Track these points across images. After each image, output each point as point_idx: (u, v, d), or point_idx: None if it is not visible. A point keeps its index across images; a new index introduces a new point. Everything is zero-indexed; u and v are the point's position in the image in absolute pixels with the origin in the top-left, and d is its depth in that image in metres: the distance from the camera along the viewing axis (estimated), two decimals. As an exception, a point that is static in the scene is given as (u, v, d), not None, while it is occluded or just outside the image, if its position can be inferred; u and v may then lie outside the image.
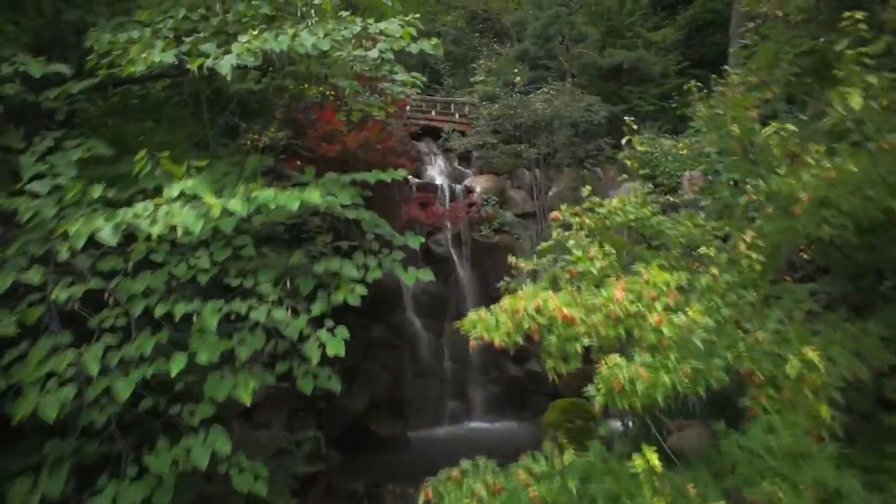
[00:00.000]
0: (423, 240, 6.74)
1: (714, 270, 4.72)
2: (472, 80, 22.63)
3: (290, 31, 5.12)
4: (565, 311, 4.33)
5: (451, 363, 16.89)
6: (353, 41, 6.16)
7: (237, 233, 5.52)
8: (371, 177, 6.09)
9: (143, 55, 4.63)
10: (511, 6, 24.85)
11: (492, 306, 4.87)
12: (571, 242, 6.24)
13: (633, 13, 20.65)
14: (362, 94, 8.28)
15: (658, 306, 4.31)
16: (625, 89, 19.51)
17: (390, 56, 6.12)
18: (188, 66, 4.66)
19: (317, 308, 5.44)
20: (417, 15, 6.31)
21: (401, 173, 6.11)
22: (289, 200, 4.52)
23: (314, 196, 4.64)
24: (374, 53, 5.97)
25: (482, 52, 23.78)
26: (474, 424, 16.54)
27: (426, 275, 6.25)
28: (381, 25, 5.94)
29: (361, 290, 5.55)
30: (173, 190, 4.10)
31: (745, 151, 5.36)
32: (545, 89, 18.14)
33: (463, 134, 21.46)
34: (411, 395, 15.88)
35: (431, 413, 16.20)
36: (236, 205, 4.15)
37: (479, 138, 18.82)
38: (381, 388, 15.27)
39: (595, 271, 5.07)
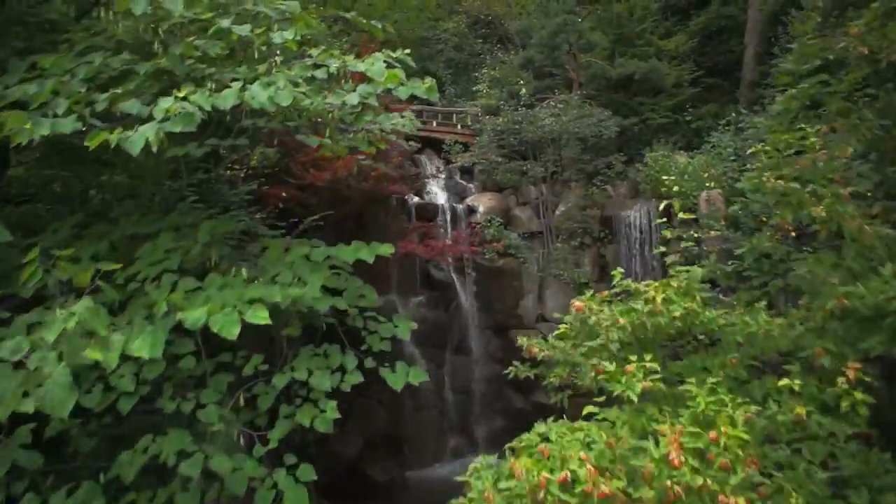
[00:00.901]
0: (415, 326, 5.49)
1: (800, 410, 3.46)
2: (474, 88, 21.35)
3: (236, 85, 3.84)
4: (604, 486, 3.06)
5: (452, 395, 15.65)
6: (332, 78, 4.90)
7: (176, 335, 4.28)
8: (349, 254, 4.82)
9: (28, 125, 3.35)
10: (515, 11, 23.47)
11: (501, 465, 3.58)
12: (593, 319, 4.98)
13: (644, 20, 19.25)
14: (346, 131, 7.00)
15: (733, 480, 3.05)
16: (635, 100, 18.15)
17: (374, 102, 4.84)
18: (86, 143, 3.39)
19: (275, 434, 4.20)
20: (408, 51, 5.03)
21: (387, 249, 4.83)
22: (225, 325, 3.25)
23: (260, 315, 3.38)
24: (353, 99, 4.69)
25: (485, 59, 22.45)
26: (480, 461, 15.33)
27: (418, 376, 4.98)
28: (362, 67, 4.66)
29: (332, 411, 4.28)
30: (52, 331, 2.83)
31: (831, 237, 4.10)
32: (552, 102, 16.80)
33: (465, 147, 20.16)
34: (410, 431, 14.64)
35: (432, 450, 14.97)
36: (142, 348, 2.90)
37: (482, 154, 17.48)
38: (378, 427, 14.05)
39: (635, 396, 3.80)
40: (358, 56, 14.38)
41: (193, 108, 3.69)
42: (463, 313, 15.75)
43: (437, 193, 19.23)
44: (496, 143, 16.88)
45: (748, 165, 11.76)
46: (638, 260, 15.75)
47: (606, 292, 4.95)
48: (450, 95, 22.39)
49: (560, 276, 15.94)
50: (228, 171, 10.71)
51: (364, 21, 6.30)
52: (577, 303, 4.79)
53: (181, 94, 3.59)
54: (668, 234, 7.99)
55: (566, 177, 17.02)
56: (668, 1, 20.58)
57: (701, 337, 4.96)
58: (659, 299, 4.25)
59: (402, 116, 5.74)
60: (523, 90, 17.47)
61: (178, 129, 3.44)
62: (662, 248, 6.13)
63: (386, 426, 14.18)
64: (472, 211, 16.51)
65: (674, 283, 4.64)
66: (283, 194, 10.79)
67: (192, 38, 4.22)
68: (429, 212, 15.87)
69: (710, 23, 19.95)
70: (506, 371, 5.97)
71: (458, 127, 21.09)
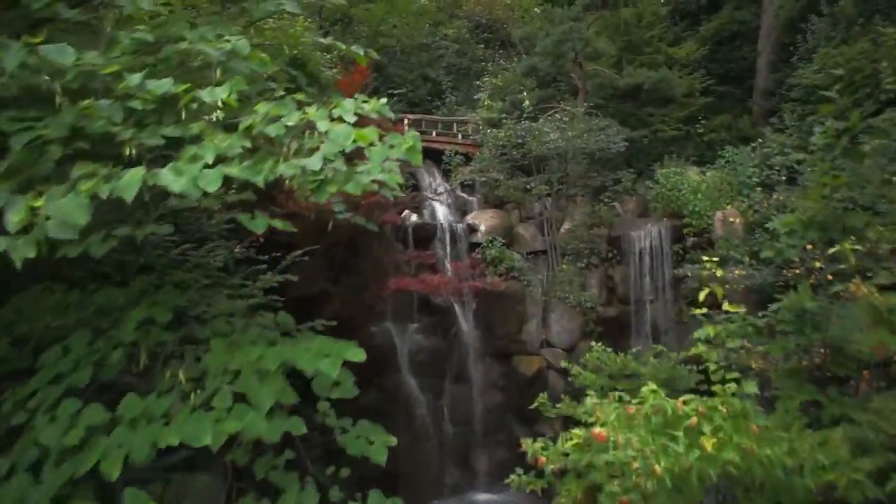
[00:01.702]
0: (394, 441, 4.46)
1: None
2: (476, 97, 20.28)
3: (138, 172, 2.79)
4: None
5: (452, 426, 14.59)
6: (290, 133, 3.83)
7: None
8: (309, 361, 3.75)
9: None
10: (517, 15, 22.30)
11: None
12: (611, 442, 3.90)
13: (653, 26, 18.08)
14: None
15: None
16: (644, 111, 17.01)
17: (341, 165, 3.76)
18: None
19: None
20: (384, 100, 3.95)
21: (358, 355, 3.78)
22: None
23: None
24: (314, 163, 3.61)
25: (487, 66, 21.30)
26: (479, 497, 14.27)
27: (395, 513, 3.95)
28: (324, 125, 3.60)
29: None
30: None
31: None
32: (557, 115, 15.70)
33: (467, 158, 19.08)
34: (406, 467, 13.61)
35: (429, 485, 13.92)
36: None
37: (483, 169, 16.40)
38: (371, 465, 12.99)
39: None
40: (348, 66, 13.13)
41: (78, 204, 2.63)
42: (463, 340, 14.68)
43: (437, 207, 18.16)
44: (498, 158, 15.77)
45: (776, 196, 10.60)
46: (648, 282, 14.66)
47: (634, 407, 3.86)
48: (450, 104, 21.26)
49: (565, 300, 14.85)
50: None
51: (346, 47, 5.25)
52: (596, 430, 3.70)
53: (36, 203, 2.52)
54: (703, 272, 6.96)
55: (572, 192, 15.93)
56: (677, 6, 19.43)
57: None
58: (708, 444, 3.17)
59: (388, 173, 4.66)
60: (526, 102, 16.33)
61: (32, 253, 2.39)
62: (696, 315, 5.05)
63: (379, 465, 13.15)
64: (472, 230, 15.42)
65: (720, 404, 3.57)
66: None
67: (87, 101, 3.14)
68: (427, 232, 14.80)
69: (722, 28, 18.80)
70: (509, 481, 4.94)
71: (459, 137, 19.99)
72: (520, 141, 15.25)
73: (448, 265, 14.96)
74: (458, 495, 14.13)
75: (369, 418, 13.29)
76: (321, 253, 10.37)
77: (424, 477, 13.84)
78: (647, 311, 14.65)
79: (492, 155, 15.64)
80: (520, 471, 5.02)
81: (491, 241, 14.90)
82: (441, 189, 18.88)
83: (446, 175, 19.44)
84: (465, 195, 18.40)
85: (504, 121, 16.32)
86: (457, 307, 14.79)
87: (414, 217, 16.52)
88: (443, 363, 14.41)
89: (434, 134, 19.99)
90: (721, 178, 14.65)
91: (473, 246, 15.20)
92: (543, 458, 4.47)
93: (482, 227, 15.33)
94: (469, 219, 15.86)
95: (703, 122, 16.52)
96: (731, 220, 13.81)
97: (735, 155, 15.18)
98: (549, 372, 14.89)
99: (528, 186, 15.11)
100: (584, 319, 14.88)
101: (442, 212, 18.06)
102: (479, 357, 14.71)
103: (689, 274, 14.01)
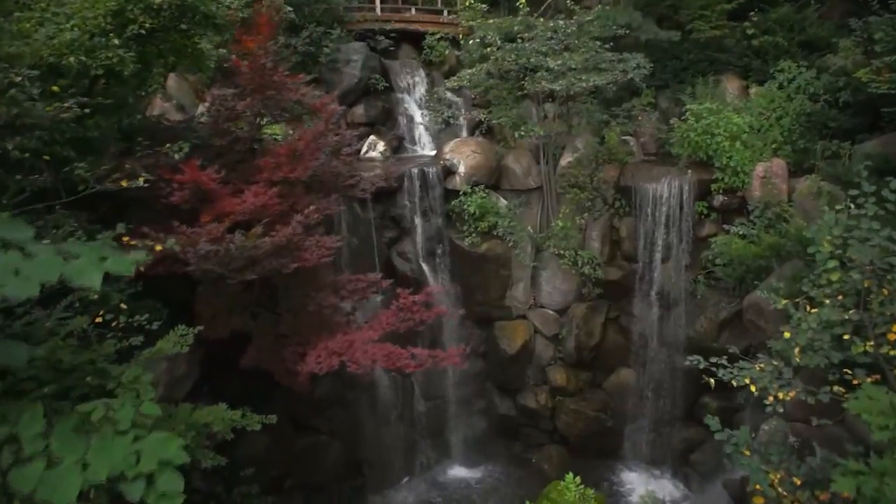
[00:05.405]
0: None
1: None
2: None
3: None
4: None
5: (423, 402, 12.92)
6: None
7: None
8: None
9: None
10: None
11: None
12: None
13: None
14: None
15: None
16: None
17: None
18: None
19: None
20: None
21: None
22: None
23: None
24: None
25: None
26: (454, 472, 13.02)
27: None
28: None
29: None
30: None
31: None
32: (561, 21, 11.95)
33: (454, 42, 15.33)
34: (372, 452, 12.13)
35: (398, 466, 12.60)
36: None
37: (471, 80, 12.96)
38: (331, 462, 11.51)
39: None
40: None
41: None
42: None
43: (415, 117, 14.90)
44: (484, 77, 12.37)
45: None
46: (661, 239, 11.92)
47: None
48: (435, -35, 16.83)
49: (560, 257, 12.33)
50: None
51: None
52: None
53: None
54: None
55: (576, 109, 12.71)
56: None
57: None
58: None
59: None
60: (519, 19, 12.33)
61: None
62: None
63: (341, 455, 11.72)
64: (449, 172, 12.38)
65: None
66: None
67: None
68: (390, 184, 11.81)
69: None
70: None
71: (445, 14, 15.99)
72: (512, 58, 11.75)
73: (418, 210, 12.33)
74: (430, 472, 12.91)
75: (326, 411, 11.42)
76: (228, 297, 7.84)
77: (393, 459, 12.50)
78: (657, 272, 12.15)
79: (472, 80, 12.20)
80: None
81: (471, 191, 12.04)
82: (419, 76, 15.42)
83: (428, 66, 15.81)
84: (451, 96, 15.02)
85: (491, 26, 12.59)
86: (428, 274, 12.38)
87: (381, 146, 13.50)
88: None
89: (413, 11, 15.93)
90: (769, 116, 11.30)
91: (450, 195, 12.34)
92: None
93: (461, 168, 12.28)
94: (446, 153, 12.68)
95: (754, 17, 12.56)
96: (775, 179, 10.76)
97: (794, 73, 11.60)
98: (536, 339, 12.84)
99: (519, 117, 11.89)
100: (580, 280, 12.46)
101: (419, 115, 14.83)
102: (456, 323, 12.58)
103: (713, 243, 11.34)
